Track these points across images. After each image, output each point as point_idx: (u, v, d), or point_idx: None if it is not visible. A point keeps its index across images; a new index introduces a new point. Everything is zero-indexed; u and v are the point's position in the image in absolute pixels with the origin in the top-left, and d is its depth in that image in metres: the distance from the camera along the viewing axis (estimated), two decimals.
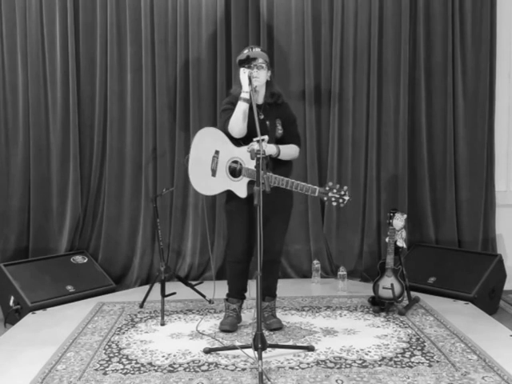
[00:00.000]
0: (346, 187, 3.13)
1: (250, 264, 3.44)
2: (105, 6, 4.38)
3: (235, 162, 3.23)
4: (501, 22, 4.52)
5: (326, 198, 3.11)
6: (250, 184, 3.18)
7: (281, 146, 3.21)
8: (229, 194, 3.28)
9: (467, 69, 4.49)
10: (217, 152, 3.24)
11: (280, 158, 3.21)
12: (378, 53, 4.47)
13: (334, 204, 3.11)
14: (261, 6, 4.44)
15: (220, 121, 3.36)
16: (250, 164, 3.15)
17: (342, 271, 4.29)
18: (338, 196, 3.10)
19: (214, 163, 3.24)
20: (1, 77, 4.40)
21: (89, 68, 4.46)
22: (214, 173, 3.24)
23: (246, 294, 3.50)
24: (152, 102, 4.46)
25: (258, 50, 3.29)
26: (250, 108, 3.11)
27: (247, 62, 3.20)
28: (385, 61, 4.48)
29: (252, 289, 3.24)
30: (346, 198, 3.11)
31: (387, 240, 3.70)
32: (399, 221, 3.66)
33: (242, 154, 3.19)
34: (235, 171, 3.23)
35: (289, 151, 3.28)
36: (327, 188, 3.11)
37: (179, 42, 4.44)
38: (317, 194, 3.11)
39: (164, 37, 4.44)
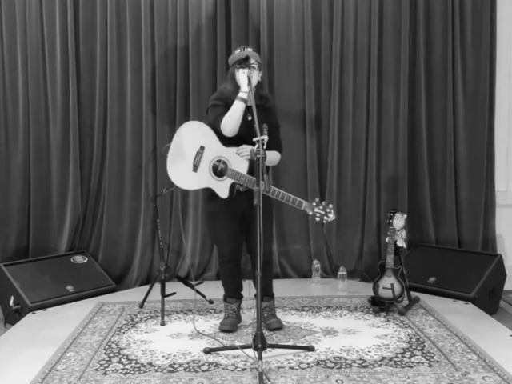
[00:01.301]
0: (331, 205, 3.16)
1: (240, 262, 3.45)
2: (105, 5, 4.38)
3: (219, 161, 3.20)
4: (501, 22, 4.52)
5: (310, 213, 3.14)
6: (233, 186, 3.17)
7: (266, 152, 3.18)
8: (211, 195, 3.23)
9: (467, 69, 4.49)
10: (202, 148, 3.19)
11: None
12: (378, 53, 4.47)
13: (318, 220, 3.14)
14: (261, 5, 4.43)
15: (209, 116, 3.29)
16: (236, 166, 3.15)
17: (342, 271, 4.29)
18: (323, 213, 3.13)
19: (198, 158, 3.19)
20: (1, 76, 4.40)
21: (89, 68, 4.46)
22: (195, 168, 3.20)
23: (245, 294, 3.50)
24: (152, 101, 4.46)
25: (249, 49, 3.28)
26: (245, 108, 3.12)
27: (244, 61, 3.20)
28: (385, 61, 4.48)
29: (251, 289, 3.24)
30: (331, 215, 3.14)
31: (387, 240, 3.70)
32: (399, 221, 3.66)
33: (229, 155, 3.17)
34: (218, 170, 3.20)
35: (272, 157, 3.28)
36: (314, 203, 3.14)
37: (179, 42, 4.44)
38: (302, 208, 3.13)
39: (164, 36, 4.44)
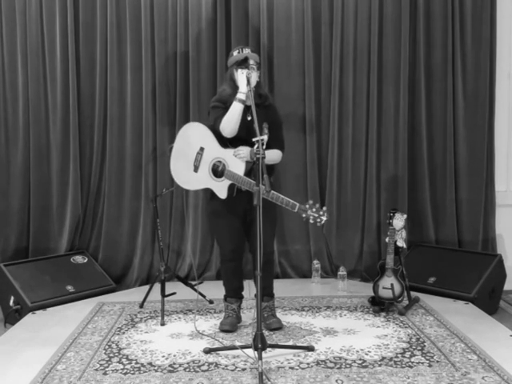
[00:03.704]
0: (325, 208, 3.14)
1: (242, 262, 3.45)
2: (105, 5, 4.38)
3: (219, 161, 3.23)
4: (501, 21, 4.52)
5: (304, 215, 3.11)
6: (231, 186, 3.19)
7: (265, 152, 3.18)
8: (212, 194, 3.27)
9: (467, 69, 4.49)
10: (202, 149, 3.24)
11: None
12: (378, 52, 4.46)
13: (311, 222, 3.12)
14: (261, 5, 4.43)
15: (209, 118, 3.31)
16: (233, 167, 3.16)
17: (342, 271, 4.29)
18: (316, 215, 3.11)
19: (198, 159, 3.24)
20: (1, 76, 4.40)
21: (89, 68, 4.46)
22: (196, 169, 3.25)
23: (245, 294, 3.50)
24: (152, 101, 4.46)
25: (248, 50, 3.28)
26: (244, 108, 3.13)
27: (243, 62, 3.20)
28: (385, 60, 4.48)
29: (251, 289, 3.25)
30: (324, 218, 3.11)
31: (387, 240, 3.70)
32: (399, 221, 3.66)
33: (227, 156, 3.19)
34: (217, 171, 3.23)
35: (272, 156, 3.26)
36: (307, 206, 3.12)
37: (179, 42, 4.44)
38: (296, 210, 3.11)
39: (164, 36, 4.44)
